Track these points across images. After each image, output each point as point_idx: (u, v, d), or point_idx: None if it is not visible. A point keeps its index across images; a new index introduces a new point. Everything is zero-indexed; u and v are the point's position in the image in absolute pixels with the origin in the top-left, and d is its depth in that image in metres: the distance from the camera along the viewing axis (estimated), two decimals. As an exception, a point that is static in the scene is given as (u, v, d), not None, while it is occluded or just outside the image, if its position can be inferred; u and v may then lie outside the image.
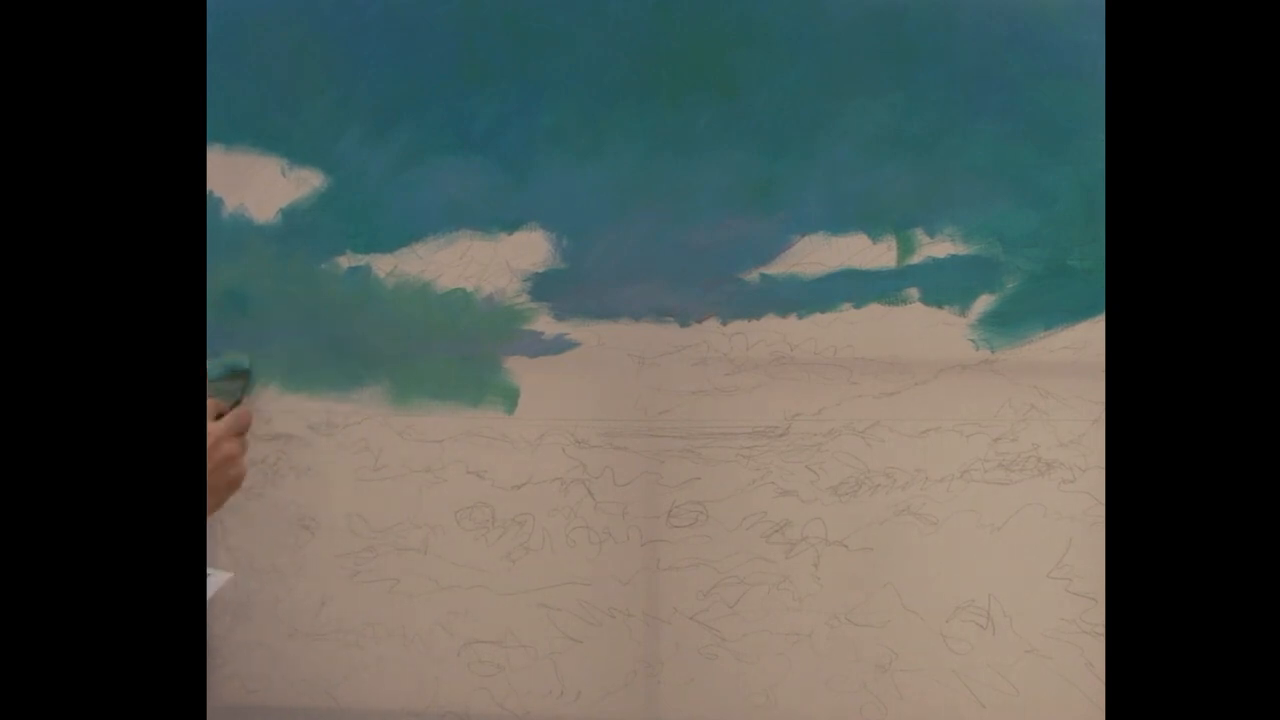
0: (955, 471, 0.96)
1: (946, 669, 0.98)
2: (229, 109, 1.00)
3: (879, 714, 0.99)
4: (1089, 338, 0.94)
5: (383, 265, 1.01)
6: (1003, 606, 0.97)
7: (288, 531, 1.06)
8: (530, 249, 0.99)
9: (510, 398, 1.01)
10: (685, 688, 1.01)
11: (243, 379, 1.02)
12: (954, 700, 0.98)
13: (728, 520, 0.99)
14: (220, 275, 1.02)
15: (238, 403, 1.02)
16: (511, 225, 0.99)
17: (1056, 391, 0.95)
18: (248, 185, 1.02)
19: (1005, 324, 0.95)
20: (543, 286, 0.99)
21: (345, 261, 1.02)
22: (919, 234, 0.95)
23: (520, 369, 1.01)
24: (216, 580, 0.98)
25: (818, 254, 0.96)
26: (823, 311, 0.96)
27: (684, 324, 0.98)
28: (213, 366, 1.01)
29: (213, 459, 0.91)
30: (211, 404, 0.98)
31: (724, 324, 0.98)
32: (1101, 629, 0.96)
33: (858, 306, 0.96)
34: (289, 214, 1.02)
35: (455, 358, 1.01)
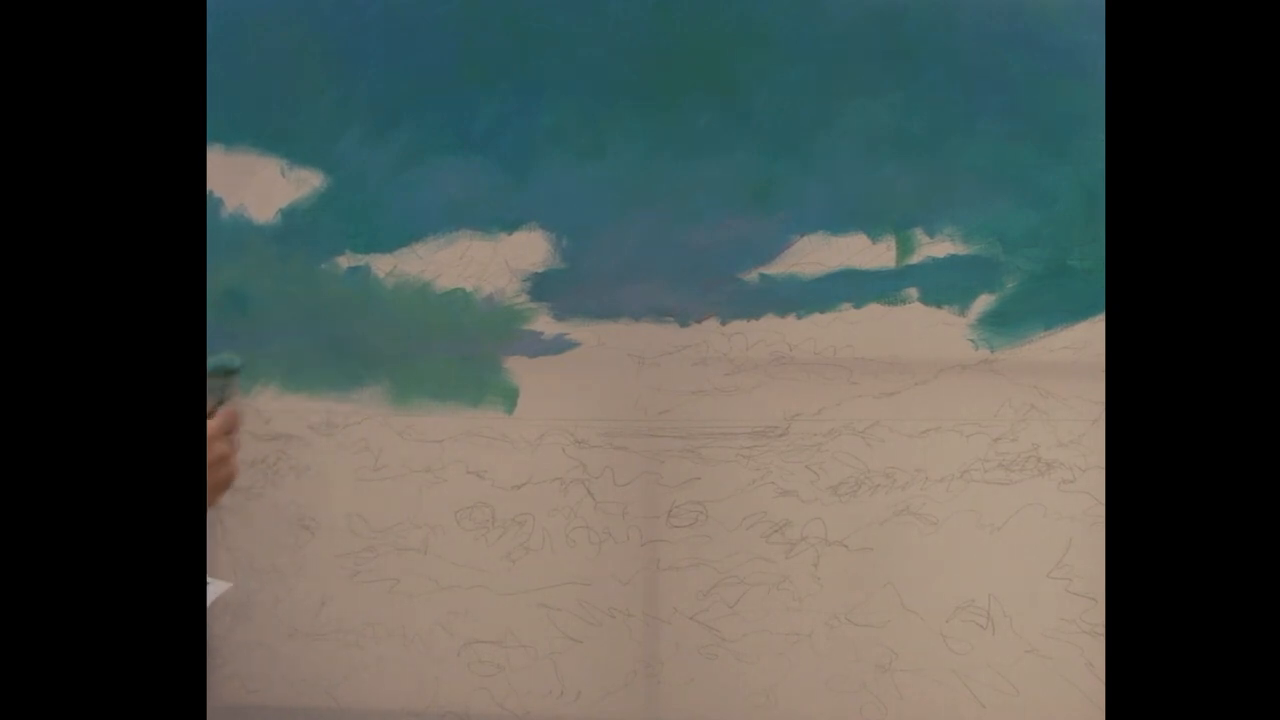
0: (955, 471, 0.96)
1: (946, 669, 0.98)
2: (229, 109, 1.00)
3: (879, 714, 0.99)
4: (1089, 338, 0.94)
5: (383, 265, 1.01)
6: (1003, 606, 0.97)
7: (288, 531, 1.06)
8: (530, 249, 0.99)
9: (510, 398, 1.01)
10: (685, 688, 1.01)
11: (232, 376, 1.02)
12: (954, 700, 0.98)
13: (728, 520, 0.99)
14: (220, 275, 1.02)
15: (227, 400, 1.01)
16: (511, 225, 0.99)
17: (1056, 391, 0.95)
18: (248, 185, 1.02)
19: (1005, 324, 0.95)
20: (543, 286, 0.99)
21: (345, 261, 1.02)
22: (919, 234, 0.95)
23: (520, 369, 1.01)
24: (215, 589, 0.98)
25: (817, 254, 0.96)
26: (822, 311, 0.96)
27: (684, 324, 0.98)
28: None
29: None
30: None
31: (724, 324, 0.98)
32: (1101, 629, 0.96)
33: (857, 306, 0.96)
34: (289, 214, 1.02)
35: (455, 358, 1.01)
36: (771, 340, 0.97)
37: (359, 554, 1.05)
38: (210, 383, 1.00)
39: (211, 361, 1.00)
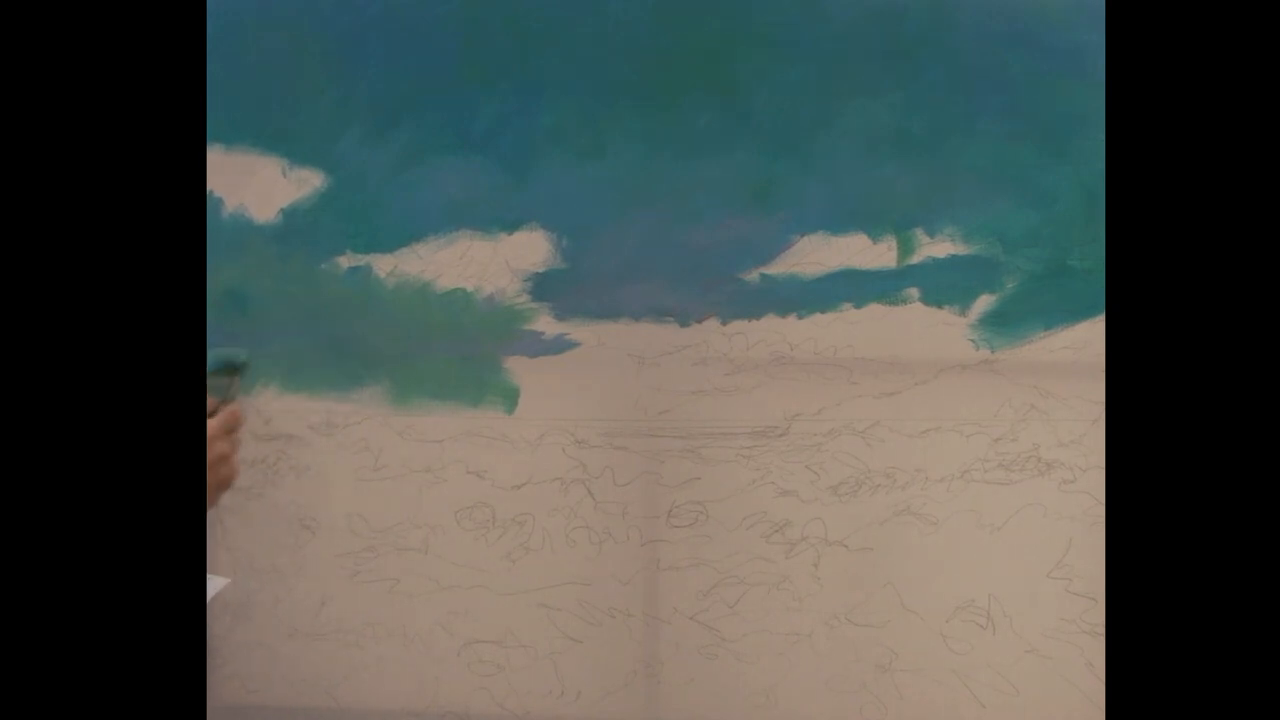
0: (955, 471, 0.96)
1: (946, 669, 0.98)
2: (229, 109, 1.00)
3: (879, 714, 0.99)
4: (1089, 338, 0.94)
5: (383, 265, 1.01)
6: (1003, 606, 0.97)
7: (288, 531, 1.06)
8: (530, 249, 0.99)
9: (510, 398, 1.01)
10: (685, 688, 1.01)
11: (236, 375, 1.02)
12: (954, 700, 0.98)
13: (728, 520, 0.99)
14: (220, 275, 1.02)
15: (230, 398, 1.01)
16: (511, 225, 0.99)
17: (1056, 391, 0.95)
18: (248, 185, 1.02)
19: (1005, 324, 0.95)
20: (543, 286, 0.99)
21: (345, 261, 1.02)
22: (919, 234, 0.95)
23: (520, 369, 1.01)
24: (213, 585, 0.98)
25: (818, 254, 0.96)
26: (823, 311, 0.96)
27: (684, 324, 0.98)
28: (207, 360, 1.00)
29: None
30: None
31: (724, 324, 0.98)
32: (1101, 629, 0.96)
33: (858, 306, 0.96)
34: (289, 214, 1.02)
35: (455, 358, 1.01)
36: (772, 340, 0.97)
37: (359, 554, 1.05)
38: (215, 380, 1.00)
39: (214, 358, 1.00)
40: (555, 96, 0.96)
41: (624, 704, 1.02)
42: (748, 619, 1.00)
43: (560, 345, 1.00)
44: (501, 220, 0.99)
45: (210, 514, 1.02)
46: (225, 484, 0.94)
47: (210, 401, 1.00)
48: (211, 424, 0.94)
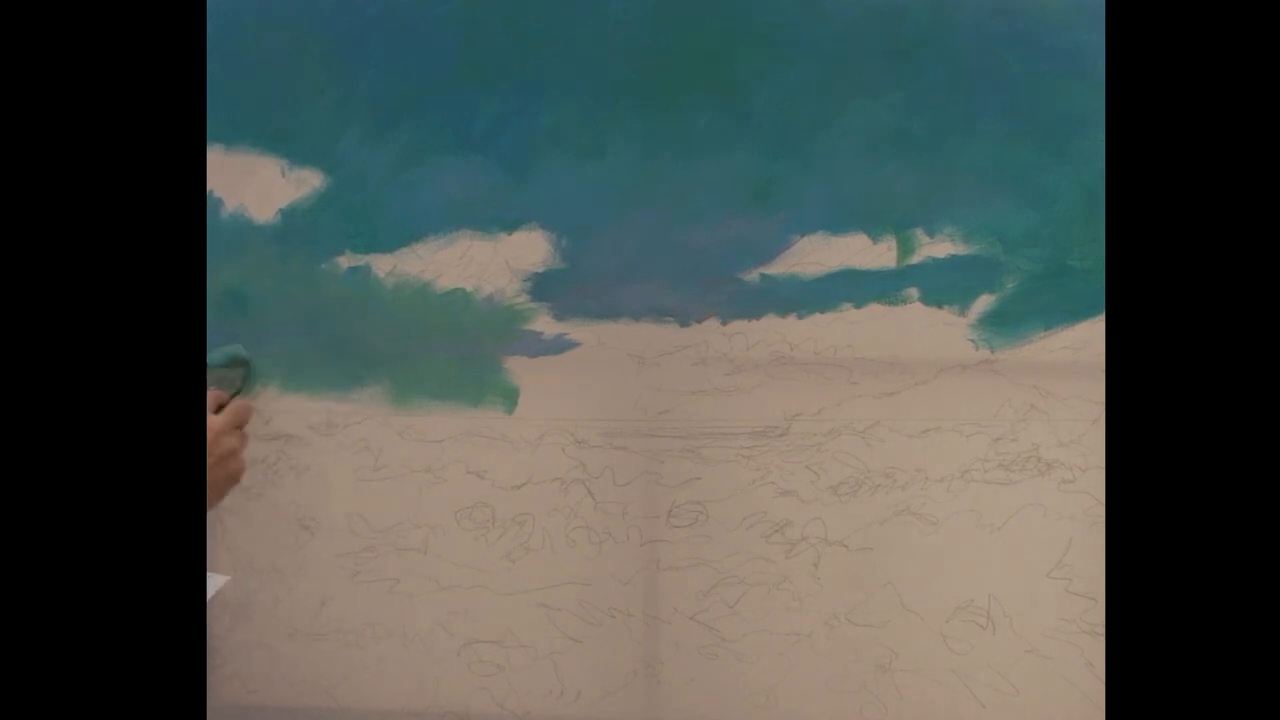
0: (955, 471, 0.96)
1: (946, 669, 0.98)
2: (229, 109, 1.00)
3: (879, 714, 0.99)
4: (1089, 338, 0.94)
5: (383, 265, 1.01)
6: (1003, 606, 0.97)
7: (288, 531, 1.06)
8: (530, 249, 0.99)
9: (510, 398, 1.01)
10: (685, 688, 1.01)
11: (244, 368, 1.02)
12: (954, 700, 0.98)
13: (728, 520, 0.99)
14: (220, 275, 1.02)
15: (238, 393, 1.02)
16: (511, 225, 0.99)
17: (1056, 391, 0.95)
18: (248, 185, 1.02)
19: (1005, 324, 0.95)
20: (543, 286, 1.00)
21: (345, 261, 1.02)
22: (919, 234, 0.95)
23: (520, 369, 1.01)
24: (214, 583, 0.98)
25: (818, 254, 0.96)
26: (823, 311, 0.96)
27: (684, 324, 0.98)
28: (214, 355, 1.00)
29: (213, 454, 0.90)
30: (212, 395, 0.98)
31: (724, 324, 0.98)
32: (1101, 629, 0.96)
33: (858, 306, 0.96)
34: (289, 214, 1.02)
35: (455, 358, 1.01)
36: (772, 340, 0.97)
37: (359, 554, 1.05)
38: (224, 375, 1.00)
39: (222, 353, 1.00)
40: (555, 96, 0.97)
41: (624, 704, 1.02)
42: (748, 619, 1.00)
43: (560, 345, 1.00)
44: (501, 220, 0.99)
45: (210, 513, 1.02)
46: (234, 479, 0.94)
47: (219, 396, 1.00)
48: (220, 419, 0.94)
